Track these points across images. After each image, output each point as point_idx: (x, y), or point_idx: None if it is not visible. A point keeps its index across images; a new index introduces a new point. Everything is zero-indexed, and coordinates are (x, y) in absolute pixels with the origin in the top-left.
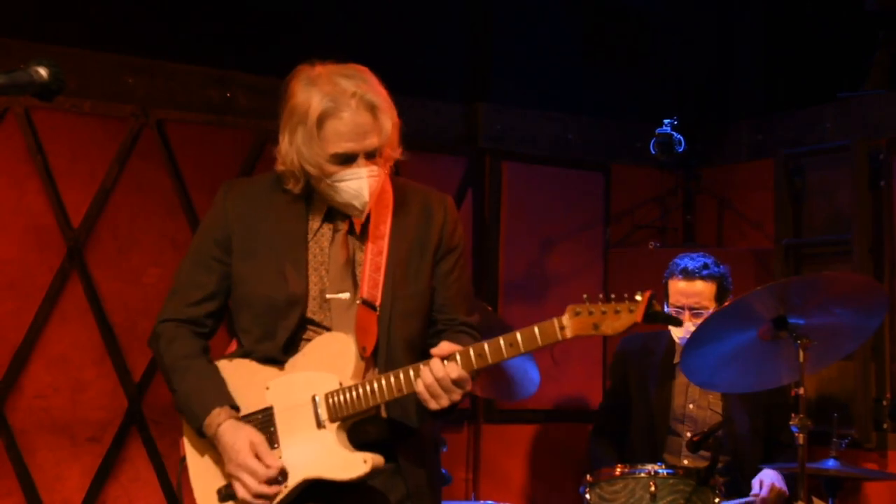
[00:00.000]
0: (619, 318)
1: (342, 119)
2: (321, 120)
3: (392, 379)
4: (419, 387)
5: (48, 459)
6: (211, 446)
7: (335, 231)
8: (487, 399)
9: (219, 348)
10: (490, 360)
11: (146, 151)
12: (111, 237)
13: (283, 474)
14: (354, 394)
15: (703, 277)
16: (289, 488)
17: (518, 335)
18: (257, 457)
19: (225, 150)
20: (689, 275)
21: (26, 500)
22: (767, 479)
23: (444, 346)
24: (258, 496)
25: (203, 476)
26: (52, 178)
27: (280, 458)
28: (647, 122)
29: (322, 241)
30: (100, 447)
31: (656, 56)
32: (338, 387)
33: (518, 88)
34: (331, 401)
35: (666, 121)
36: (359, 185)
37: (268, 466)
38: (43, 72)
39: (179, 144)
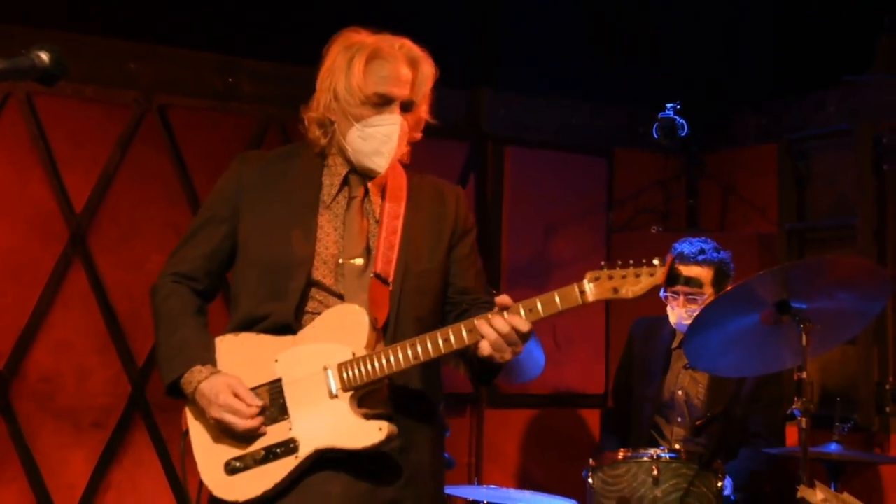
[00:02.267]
0: (640, 281)
1: (388, 62)
2: (368, 61)
3: (409, 348)
4: (485, 349)
5: (52, 445)
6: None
7: (351, 198)
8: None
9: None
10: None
11: (149, 137)
12: (114, 223)
13: (276, 415)
14: (368, 363)
15: (698, 262)
16: (300, 459)
17: (538, 301)
18: (236, 396)
19: (228, 137)
20: (684, 259)
21: (30, 486)
22: None
23: (504, 298)
24: (248, 432)
25: (208, 449)
26: (55, 163)
27: (290, 429)
28: (652, 107)
29: (337, 208)
30: (103, 433)
31: (661, 41)
32: (351, 357)
33: (522, 73)
34: (344, 371)
35: (669, 105)
36: (389, 130)
37: (248, 405)
38: (45, 56)
39: (182, 130)
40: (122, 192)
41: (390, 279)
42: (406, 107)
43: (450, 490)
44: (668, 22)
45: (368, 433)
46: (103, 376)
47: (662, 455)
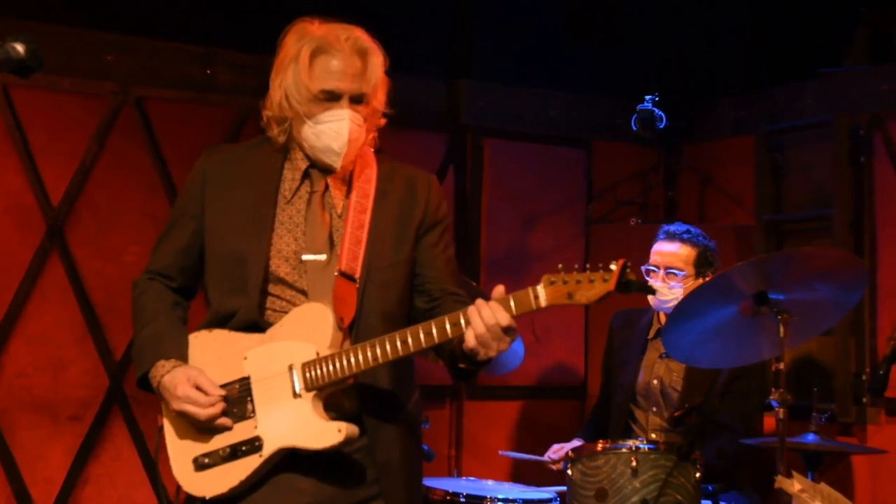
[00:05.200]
0: (594, 287)
1: (333, 57)
2: (313, 56)
3: (368, 350)
4: (470, 341)
5: (30, 438)
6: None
7: (312, 192)
8: None
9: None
10: (428, 345)
11: (126, 129)
12: (91, 215)
13: (241, 413)
14: (331, 364)
15: (682, 240)
16: (263, 458)
17: (494, 304)
18: (197, 388)
19: (206, 128)
20: (670, 236)
21: (8, 479)
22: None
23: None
24: (210, 420)
25: (178, 445)
26: (32, 156)
27: (256, 427)
28: (630, 99)
29: (299, 202)
30: (81, 425)
31: (639, 33)
32: (315, 357)
33: (501, 65)
34: (307, 371)
35: (647, 97)
36: (339, 126)
37: (208, 394)
38: (20, 48)
39: (160, 122)
40: (99, 184)
41: (357, 276)
42: (356, 99)
43: (429, 482)
44: (646, 14)
45: (328, 434)
46: (81, 369)
47: (641, 446)
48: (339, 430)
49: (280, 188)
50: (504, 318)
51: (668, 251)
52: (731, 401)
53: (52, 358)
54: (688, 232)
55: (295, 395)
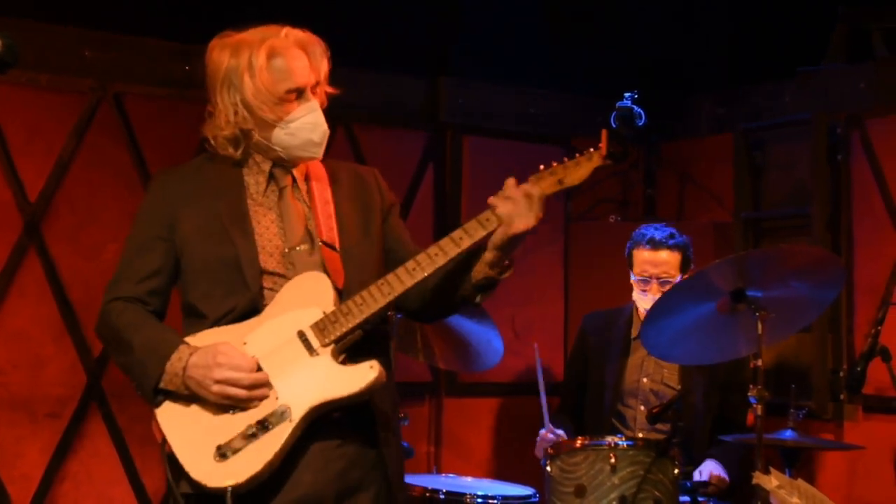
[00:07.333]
0: (580, 167)
1: (284, 56)
2: (269, 59)
3: (379, 285)
4: (502, 205)
5: (7, 436)
6: (188, 414)
7: (281, 189)
8: (449, 372)
9: None
10: (470, 242)
11: (104, 126)
12: (69, 212)
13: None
14: (341, 313)
15: (669, 247)
16: (294, 422)
17: (488, 213)
18: (230, 368)
19: (185, 125)
20: (655, 245)
21: None
22: (708, 467)
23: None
24: (254, 387)
25: (192, 444)
26: (9, 152)
27: (276, 398)
28: (609, 97)
29: (268, 202)
30: (59, 423)
31: (619, 30)
32: (322, 316)
33: (480, 62)
34: (319, 327)
35: (626, 94)
36: (315, 117)
37: (244, 369)
38: None
39: (138, 119)
40: (77, 180)
41: (337, 245)
42: (313, 89)
43: (408, 479)
44: (626, 11)
45: (360, 374)
46: (59, 366)
47: (620, 443)
48: (372, 367)
49: (247, 192)
50: (530, 187)
51: (659, 260)
52: (736, 394)
53: (30, 355)
54: (671, 236)
55: (312, 353)
